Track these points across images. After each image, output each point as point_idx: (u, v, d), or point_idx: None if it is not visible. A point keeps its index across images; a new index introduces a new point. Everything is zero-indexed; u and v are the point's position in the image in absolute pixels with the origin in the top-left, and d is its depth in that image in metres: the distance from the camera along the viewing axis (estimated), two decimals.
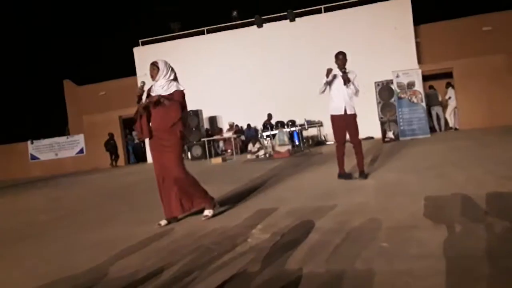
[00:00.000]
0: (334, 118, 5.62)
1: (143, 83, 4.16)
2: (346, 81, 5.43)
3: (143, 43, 17.50)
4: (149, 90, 4.15)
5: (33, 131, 20.35)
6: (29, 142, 19.19)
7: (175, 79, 4.17)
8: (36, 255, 3.51)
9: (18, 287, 2.71)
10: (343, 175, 5.62)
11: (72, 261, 3.20)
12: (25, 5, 27.75)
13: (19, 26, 27.49)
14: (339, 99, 5.56)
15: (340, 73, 5.51)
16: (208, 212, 4.09)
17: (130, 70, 17.70)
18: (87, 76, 19.97)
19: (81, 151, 18.65)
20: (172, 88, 4.06)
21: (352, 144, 5.56)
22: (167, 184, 4.07)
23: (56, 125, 20.81)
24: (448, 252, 2.40)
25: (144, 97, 4.12)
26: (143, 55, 17.33)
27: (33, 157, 19.13)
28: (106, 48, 25.98)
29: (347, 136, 5.66)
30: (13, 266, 3.29)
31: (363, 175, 5.44)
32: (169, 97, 3.99)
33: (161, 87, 4.07)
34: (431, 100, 14.05)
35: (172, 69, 4.18)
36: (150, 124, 4.09)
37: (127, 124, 18.99)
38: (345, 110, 5.49)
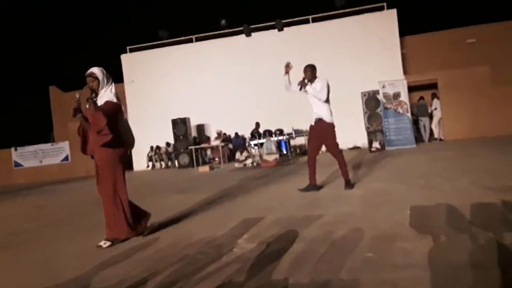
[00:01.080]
0: (309, 128, 5.75)
1: (78, 96, 3.87)
2: (301, 85, 5.64)
3: (131, 50, 17.43)
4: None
5: (17, 137, 20.03)
6: (12, 149, 18.88)
7: (111, 88, 3.90)
8: (20, 264, 3.44)
9: None
10: (310, 186, 5.58)
11: (56, 270, 3.14)
12: (12, 10, 27.47)
13: (5, 31, 27.15)
14: (312, 110, 5.76)
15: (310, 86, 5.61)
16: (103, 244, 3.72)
17: (117, 77, 17.59)
18: (73, 83, 19.75)
19: (66, 158, 18.42)
20: (104, 98, 3.81)
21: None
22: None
23: (41, 131, 20.52)
24: (433, 262, 2.42)
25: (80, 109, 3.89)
26: (131, 62, 17.27)
27: (17, 164, 18.82)
28: (93, 55, 25.80)
29: (323, 148, 5.79)
30: None
31: (349, 185, 5.46)
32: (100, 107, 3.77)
33: (100, 98, 3.83)
34: (420, 111, 14.27)
35: (110, 77, 3.95)
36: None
37: None
38: (315, 120, 5.61)
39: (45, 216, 6.23)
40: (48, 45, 26.91)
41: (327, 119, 5.61)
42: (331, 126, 5.61)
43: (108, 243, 3.70)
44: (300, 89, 5.56)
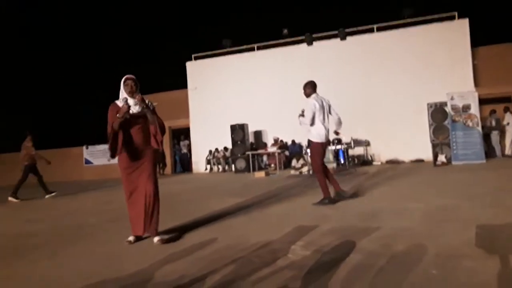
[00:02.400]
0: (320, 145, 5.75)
1: (126, 99, 4.00)
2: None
3: (196, 58, 18.08)
4: (117, 106, 4.02)
5: (89, 136, 21.43)
6: (84, 147, 20.26)
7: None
8: (87, 256, 3.68)
9: (66, 285, 2.84)
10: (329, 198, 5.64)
11: (120, 263, 3.32)
12: (86, 17, 29.65)
13: (83, 36, 29.34)
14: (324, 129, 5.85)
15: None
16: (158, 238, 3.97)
17: (181, 83, 18.33)
18: (141, 87, 20.83)
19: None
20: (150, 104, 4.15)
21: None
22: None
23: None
24: (501, 283, 2.27)
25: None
26: (195, 69, 17.92)
27: (87, 162, 20.16)
28: (160, 61, 27.08)
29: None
30: (62, 265, 3.46)
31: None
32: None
33: (135, 103, 4.02)
34: (497, 123, 13.40)
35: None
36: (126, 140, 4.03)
37: (176, 135, 19.61)
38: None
39: (110, 212, 6.61)
40: (120, 52, 28.66)
41: (309, 136, 5.80)
42: (309, 143, 5.86)
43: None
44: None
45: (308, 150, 10.60)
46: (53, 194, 10.30)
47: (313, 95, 5.80)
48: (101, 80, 27.68)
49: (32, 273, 3.26)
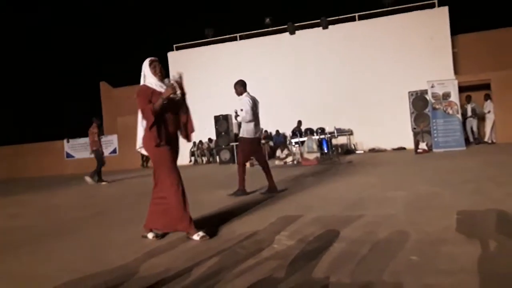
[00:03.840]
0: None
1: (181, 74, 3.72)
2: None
3: (177, 48, 17.88)
4: (151, 89, 3.68)
5: (70, 130, 21.09)
6: (65, 140, 19.93)
7: None
8: (70, 251, 3.64)
9: (52, 281, 2.81)
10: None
11: (103, 258, 3.30)
12: (66, 10, 28.94)
13: (62, 28, 28.64)
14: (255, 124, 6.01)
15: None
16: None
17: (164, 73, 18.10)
18: (122, 79, 20.53)
19: (114, 151, 19.22)
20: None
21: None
22: None
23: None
24: (480, 268, 2.33)
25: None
26: (177, 60, 17.72)
27: (69, 155, 19.86)
28: (142, 52, 26.68)
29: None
30: (47, 260, 3.42)
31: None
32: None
33: (161, 86, 3.70)
34: (473, 111, 13.65)
35: None
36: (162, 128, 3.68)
37: None
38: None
39: (94, 206, 6.55)
40: (100, 42, 28.11)
41: (243, 132, 6.00)
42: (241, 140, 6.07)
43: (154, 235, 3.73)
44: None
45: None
46: (105, 183, 10.65)
47: (245, 93, 5.99)
48: (82, 72, 27.16)
49: (16, 269, 3.21)
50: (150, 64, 3.77)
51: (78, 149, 19.73)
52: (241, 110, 5.92)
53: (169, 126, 3.71)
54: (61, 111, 26.50)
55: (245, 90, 6.03)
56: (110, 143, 19.26)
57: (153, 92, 3.65)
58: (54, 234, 4.45)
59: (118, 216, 5.31)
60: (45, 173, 19.27)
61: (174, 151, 3.78)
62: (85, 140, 19.65)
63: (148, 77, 3.76)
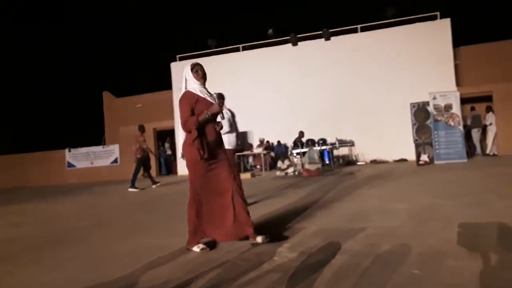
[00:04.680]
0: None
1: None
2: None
3: (180, 59, 18.00)
4: (195, 95, 3.60)
5: (71, 139, 21.15)
6: (66, 150, 19.96)
7: None
8: (71, 262, 3.63)
9: None
10: None
11: (105, 268, 3.29)
12: (70, 20, 29.24)
13: (65, 39, 28.90)
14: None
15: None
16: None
17: (166, 84, 18.22)
18: (125, 89, 20.65)
19: (115, 161, 19.23)
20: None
21: None
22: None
23: (93, 134, 21.57)
24: (483, 282, 2.32)
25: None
26: (180, 70, 17.81)
27: (70, 165, 19.87)
28: (145, 62, 26.87)
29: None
30: (49, 270, 3.41)
31: None
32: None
33: (208, 95, 3.66)
34: (475, 121, 13.67)
35: None
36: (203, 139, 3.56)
37: (160, 136, 19.48)
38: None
39: (95, 216, 6.54)
40: (104, 53, 28.35)
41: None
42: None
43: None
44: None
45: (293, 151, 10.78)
46: (158, 184, 11.15)
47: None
48: (85, 81, 27.33)
49: (16, 279, 3.20)
50: (192, 68, 3.68)
51: (80, 158, 19.76)
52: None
53: (209, 137, 3.57)
54: (63, 120, 26.63)
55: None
56: (111, 153, 19.29)
57: (197, 99, 3.56)
58: (56, 244, 4.44)
59: (120, 227, 5.30)
60: (46, 182, 19.27)
61: (217, 162, 3.62)
62: (86, 150, 19.72)
63: (190, 83, 3.67)
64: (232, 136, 6.02)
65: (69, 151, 19.92)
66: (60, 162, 19.90)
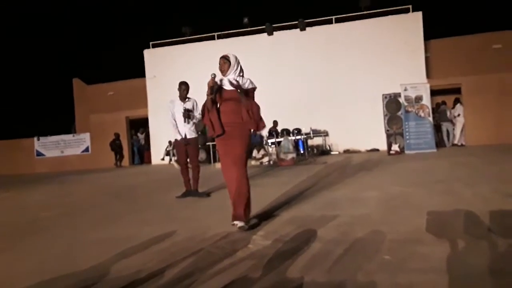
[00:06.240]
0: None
1: (214, 75, 3.91)
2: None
3: (154, 46, 17.64)
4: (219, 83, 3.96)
5: (40, 128, 20.50)
6: (35, 138, 19.33)
7: (243, 75, 4.05)
8: (39, 251, 3.53)
9: (22, 281, 2.72)
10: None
11: (74, 258, 3.21)
12: (40, 4, 28.09)
13: (33, 23, 27.80)
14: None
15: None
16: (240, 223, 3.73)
17: (139, 71, 17.84)
18: (97, 76, 20.11)
19: (86, 149, 18.77)
20: (248, 84, 3.96)
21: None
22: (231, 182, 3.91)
23: (63, 122, 20.97)
24: (450, 267, 2.39)
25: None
26: (153, 57, 17.49)
27: (39, 154, 19.27)
28: (117, 49, 26.22)
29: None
30: (16, 260, 3.31)
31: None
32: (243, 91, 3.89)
33: (231, 82, 3.89)
34: (442, 116, 14.10)
35: (241, 65, 4.05)
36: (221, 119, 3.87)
37: (134, 125, 19.13)
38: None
39: (64, 205, 6.37)
40: (74, 38, 27.46)
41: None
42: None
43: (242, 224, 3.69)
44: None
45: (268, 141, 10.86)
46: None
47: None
48: (55, 67, 26.44)
49: None
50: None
51: (49, 147, 19.18)
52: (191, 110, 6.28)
53: (224, 119, 3.86)
54: (31, 107, 25.75)
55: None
56: (82, 141, 18.82)
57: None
58: (21, 234, 4.31)
59: (89, 216, 5.18)
60: (14, 171, 18.65)
61: (239, 146, 3.82)
62: (56, 138, 19.15)
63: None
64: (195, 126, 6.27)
65: (38, 139, 19.29)
66: (29, 151, 19.26)
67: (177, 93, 6.36)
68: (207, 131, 4.00)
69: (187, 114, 6.13)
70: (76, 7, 27.54)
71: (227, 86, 3.88)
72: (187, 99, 6.30)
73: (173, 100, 6.32)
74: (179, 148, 6.33)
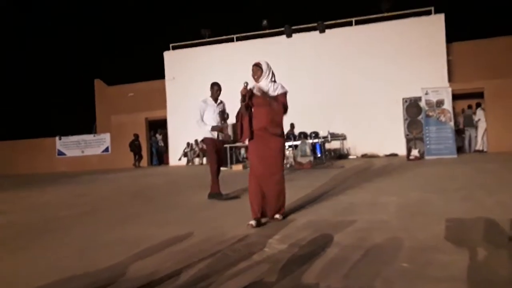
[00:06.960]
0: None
1: (247, 83, 4.11)
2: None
3: (174, 48, 17.83)
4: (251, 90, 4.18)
5: (62, 127, 20.92)
6: (57, 138, 19.74)
7: (275, 80, 4.23)
8: (58, 250, 3.59)
9: (40, 279, 2.77)
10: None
11: (92, 258, 3.26)
12: (63, 6, 28.76)
13: (58, 26, 28.45)
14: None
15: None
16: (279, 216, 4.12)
17: (159, 73, 18.05)
18: (117, 77, 20.42)
19: (106, 149, 19.08)
20: (279, 89, 4.12)
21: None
22: (266, 185, 4.08)
23: (84, 123, 21.36)
24: (469, 276, 2.34)
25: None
26: (173, 59, 17.68)
27: (60, 153, 19.68)
28: (137, 51, 26.60)
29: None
30: (35, 258, 3.38)
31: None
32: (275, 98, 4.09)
33: (258, 91, 4.10)
34: (467, 120, 13.83)
35: (273, 71, 4.25)
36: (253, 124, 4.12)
37: (153, 126, 19.35)
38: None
39: (84, 204, 6.48)
40: (97, 40, 27.98)
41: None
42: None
43: (255, 222, 3.92)
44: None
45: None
46: None
47: None
48: (76, 69, 26.97)
49: (1, 267, 3.16)
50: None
51: (70, 147, 19.56)
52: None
53: (256, 122, 4.08)
54: (54, 108, 26.31)
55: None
56: (102, 141, 19.13)
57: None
58: (41, 232, 4.40)
59: (108, 216, 5.26)
60: (36, 170, 19.08)
61: (272, 149, 4.06)
62: (77, 138, 19.52)
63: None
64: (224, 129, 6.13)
65: (60, 139, 19.70)
66: (50, 150, 19.69)
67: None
68: (234, 135, 4.26)
69: (224, 117, 6.16)
70: (98, 10, 28.08)
71: (258, 93, 4.07)
72: (219, 101, 6.14)
73: (205, 99, 6.18)
74: (211, 146, 6.11)
